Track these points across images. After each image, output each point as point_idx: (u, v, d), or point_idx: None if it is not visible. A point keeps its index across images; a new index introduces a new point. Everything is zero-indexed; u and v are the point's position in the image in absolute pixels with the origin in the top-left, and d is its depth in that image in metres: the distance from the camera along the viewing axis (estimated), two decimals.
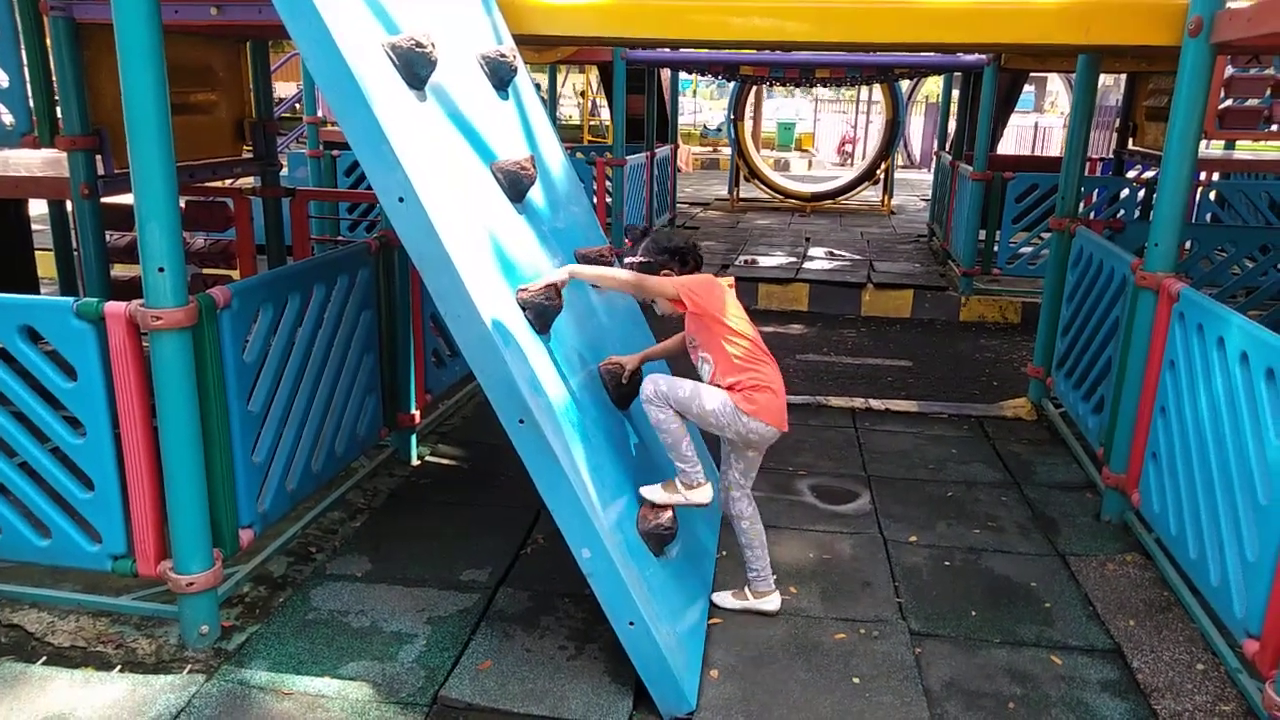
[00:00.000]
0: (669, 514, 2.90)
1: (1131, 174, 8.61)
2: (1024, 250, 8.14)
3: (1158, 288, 3.52)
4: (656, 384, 2.85)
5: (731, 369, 2.85)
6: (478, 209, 2.82)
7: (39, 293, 5.83)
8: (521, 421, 2.51)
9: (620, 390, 3.13)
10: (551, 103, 12.87)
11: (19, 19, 3.75)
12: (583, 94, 20.71)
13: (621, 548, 2.65)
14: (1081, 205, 6.54)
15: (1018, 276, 8.15)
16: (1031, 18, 3.77)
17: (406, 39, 2.68)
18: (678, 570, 3.01)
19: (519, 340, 2.62)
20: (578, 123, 19.57)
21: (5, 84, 3.84)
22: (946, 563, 3.52)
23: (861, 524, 3.82)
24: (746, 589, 3.14)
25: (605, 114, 17.54)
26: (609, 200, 8.86)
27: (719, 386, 2.86)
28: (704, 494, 2.92)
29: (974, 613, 3.18)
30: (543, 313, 2.78)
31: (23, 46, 3.81)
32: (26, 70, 3.86)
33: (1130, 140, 7.79)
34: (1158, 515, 3.38)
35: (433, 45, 2.72)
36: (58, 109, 3.94)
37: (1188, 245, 5.87)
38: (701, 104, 29.90)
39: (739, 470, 3.07)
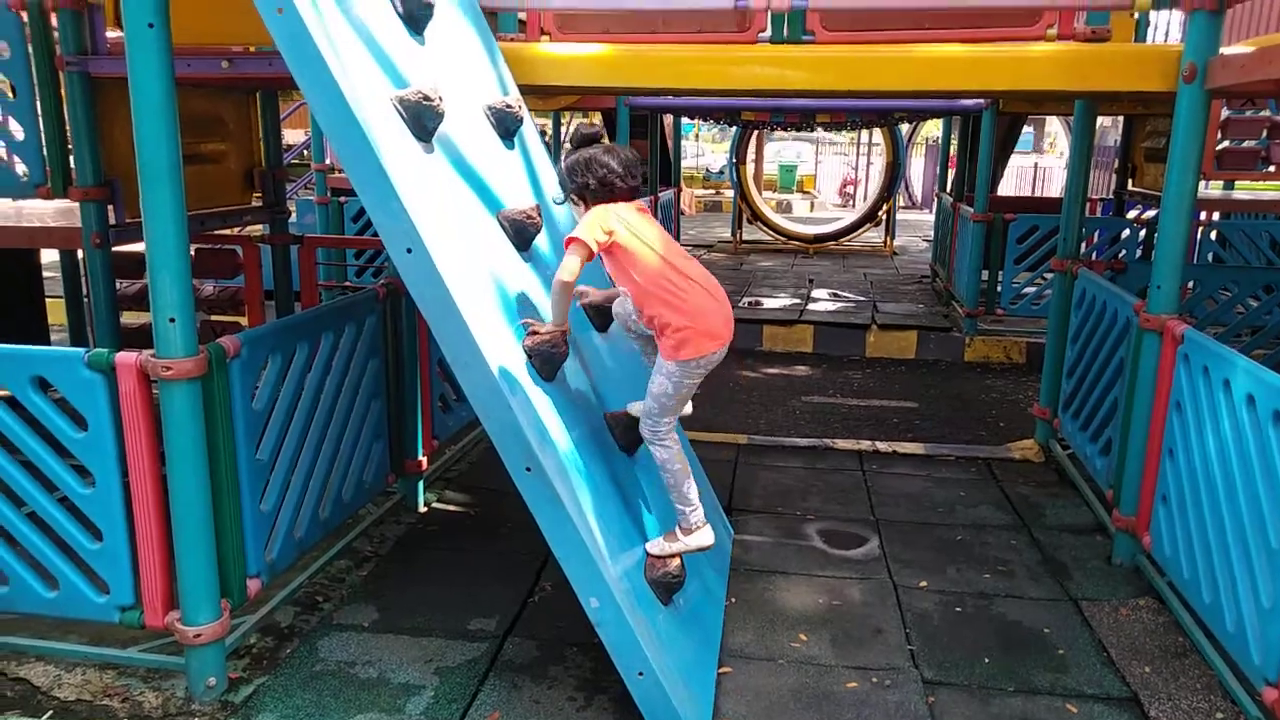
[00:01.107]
0: (677, 561, 2.88)
1: (1132, 214, 8.65)
2: (1027, 291, 8.17)
3: (1161, 329, 3.52)
4: (643, 419, 2.88)
5: (645, 299, 2.75)
6: (484, 258, 2.85)
7: (49, 340, 5.87)
8: (528, 469, 2.51)
9: (628, 436, 3.12)
10: (556, 149, 13.05)
11: (35, 74, 3.83)
12: None
13: (630, 596, 2.63)
14: (1083, 246, 6.58)
15: (1021, 316, 8.15)
16: (1028, 65, 3.83)
17: (415, 93, 2.73)
18: (687, 619, 2.98)
19: (525, 388, 2.63)
20: None
21: (21, 137, 3.91)
22: (958, 608, 3.48)
23: (871, 569, 3.80)
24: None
25: None
26: None
27: (643, 314, 2.77)
28: (705, 536, 2.90)
29: (987, 660, 3.14)
30: (549, 360, 2.79)
31: (38, 100, 3.89)
32: (41, 123, 3.93)
33: (1130, 181, 7.84)
34: (1170, 559, 3.35)
35: (440, 98, 2.77)
36: (71, 160, 4.01)
37: (1190, 285, 5.89)
38: (704, 148, 30.18)
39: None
